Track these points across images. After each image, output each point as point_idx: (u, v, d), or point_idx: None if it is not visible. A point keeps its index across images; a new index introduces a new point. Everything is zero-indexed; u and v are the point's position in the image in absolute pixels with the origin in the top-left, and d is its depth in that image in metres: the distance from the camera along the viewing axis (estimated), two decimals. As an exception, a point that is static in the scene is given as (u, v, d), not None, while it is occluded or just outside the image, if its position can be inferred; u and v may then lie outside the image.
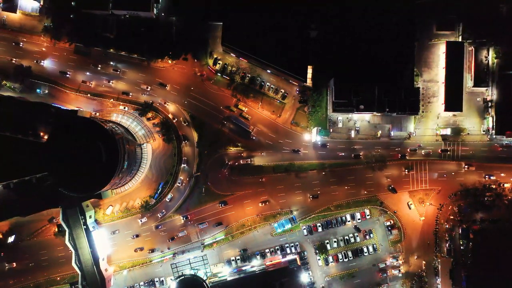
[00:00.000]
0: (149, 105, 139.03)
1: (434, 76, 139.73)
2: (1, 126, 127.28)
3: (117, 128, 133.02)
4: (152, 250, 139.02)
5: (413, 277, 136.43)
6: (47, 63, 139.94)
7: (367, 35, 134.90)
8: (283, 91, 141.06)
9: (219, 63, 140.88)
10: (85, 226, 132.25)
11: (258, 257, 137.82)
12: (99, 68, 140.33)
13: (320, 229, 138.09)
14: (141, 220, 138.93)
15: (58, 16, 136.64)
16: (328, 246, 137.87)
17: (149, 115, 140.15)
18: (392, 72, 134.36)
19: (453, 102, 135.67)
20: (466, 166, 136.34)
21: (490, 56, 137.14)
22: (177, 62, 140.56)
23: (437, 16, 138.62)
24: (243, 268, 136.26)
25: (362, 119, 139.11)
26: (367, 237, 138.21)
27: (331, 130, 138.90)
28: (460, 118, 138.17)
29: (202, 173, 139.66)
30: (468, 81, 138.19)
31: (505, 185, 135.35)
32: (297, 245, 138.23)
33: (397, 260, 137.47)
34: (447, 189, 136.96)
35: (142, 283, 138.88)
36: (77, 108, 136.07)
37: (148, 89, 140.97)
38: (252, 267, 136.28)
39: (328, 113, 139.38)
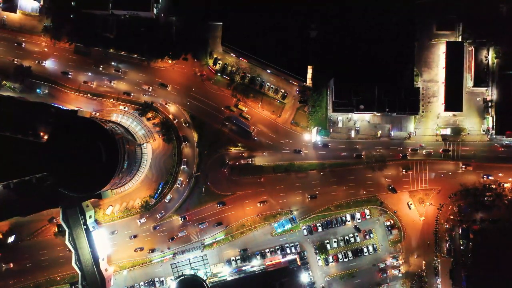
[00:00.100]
0: (149, 105, 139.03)
1: (434, 76, 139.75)
2: (1, 126, 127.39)
3: (117, 128, 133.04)
4: (152, 250, 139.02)
5: (413, 277, 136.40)
6: (49, 64, 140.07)
7: (367, 35, 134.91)
8: (283, 91, 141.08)
9: (219, 63, 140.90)
10: (85, 226, 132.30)
11: (258, 257, 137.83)
12: (100, 69, 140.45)
13: (320, 229, 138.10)
14: (140, 221, 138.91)
15: (58, 16, 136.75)
16: (328, 246, 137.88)
17: (149, 115, 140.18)
18: (392, 72, 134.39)
19: (453, 102, 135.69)
20: (463, 166, 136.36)
21: (490, 56, 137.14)
22: (177, 62, 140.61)
23: (437, 16, 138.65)
24: (243, 268, 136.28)
25: (362, 119, 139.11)
26: (367, 237, 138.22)
27: (331, 130, 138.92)
28: (460, 118, 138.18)
29: (202, 173, 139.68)
30: (468, 81, 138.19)
31: (505, 185, 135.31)
32: (297, 245, 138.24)
33: (397, 260, 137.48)
34: (447, 189, 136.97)
35: (142, 283, 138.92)
36: (77, 108, 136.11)
37: (150, 90, 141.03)
38: (252, 267, 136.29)
39: (328, 113, 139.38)
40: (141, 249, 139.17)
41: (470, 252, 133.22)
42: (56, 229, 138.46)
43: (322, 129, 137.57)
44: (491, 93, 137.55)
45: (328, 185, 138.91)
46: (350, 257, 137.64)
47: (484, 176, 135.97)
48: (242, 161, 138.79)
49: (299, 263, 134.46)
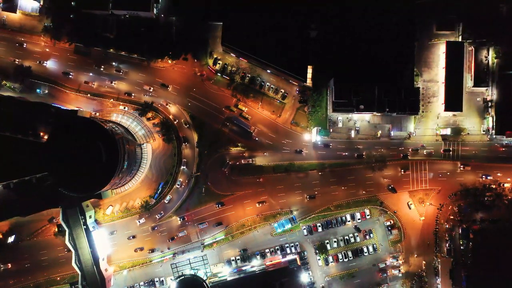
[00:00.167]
0: (149, 105, 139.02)
1: (434, 76, 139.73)
2: (1, 126, 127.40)
3: (117, 128, 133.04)
4: (152, 250, 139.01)
5: (413, 277, 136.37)
6: (50, 64, 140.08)
7: (367, 35, 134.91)
8: (283, 91, 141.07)
9: (219, 63, 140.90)
10: (85, 226, 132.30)
11: (258, 257, 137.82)
12: (102, 69, 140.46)
13: (320, 229, 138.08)
14: (139, 221, 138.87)
15: (58, 16, 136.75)
16: (328, 246, 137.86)
17: (149, 115, 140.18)
18: (392, 72, 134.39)
19: (453, 102, 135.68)
20: (461, 166, 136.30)
21: (490, 56, 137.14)
22: (177, 62, 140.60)
23: (437, 16, 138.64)
24: (243, 268, 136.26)
25: (362, 119, 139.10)
26: (367, 237, 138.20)
27: (331, 130, 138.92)
28: (460, 118, 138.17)
29: (202, 173, 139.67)
30: (468, 81, 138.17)
31: (505, 185, 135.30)
32: (297, 245, 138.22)
33: (397, 260, 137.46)
34: (447, 189, 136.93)
35: (142, 283, 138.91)
36: (77, 108, 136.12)
37: (151, 90, 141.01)
38: (252, 267, 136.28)
39: (328, 113, 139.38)
40: (141, 249, 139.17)
41: (470, 252, 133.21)
42: (56, 229, 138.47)
43: (322, 129, 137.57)
44: (491, 93, 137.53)
45: (328, 185, 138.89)
46: (350, 257, 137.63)
47: (483, 176, 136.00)
48: (242, 161, 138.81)
49: (299, 263, 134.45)
